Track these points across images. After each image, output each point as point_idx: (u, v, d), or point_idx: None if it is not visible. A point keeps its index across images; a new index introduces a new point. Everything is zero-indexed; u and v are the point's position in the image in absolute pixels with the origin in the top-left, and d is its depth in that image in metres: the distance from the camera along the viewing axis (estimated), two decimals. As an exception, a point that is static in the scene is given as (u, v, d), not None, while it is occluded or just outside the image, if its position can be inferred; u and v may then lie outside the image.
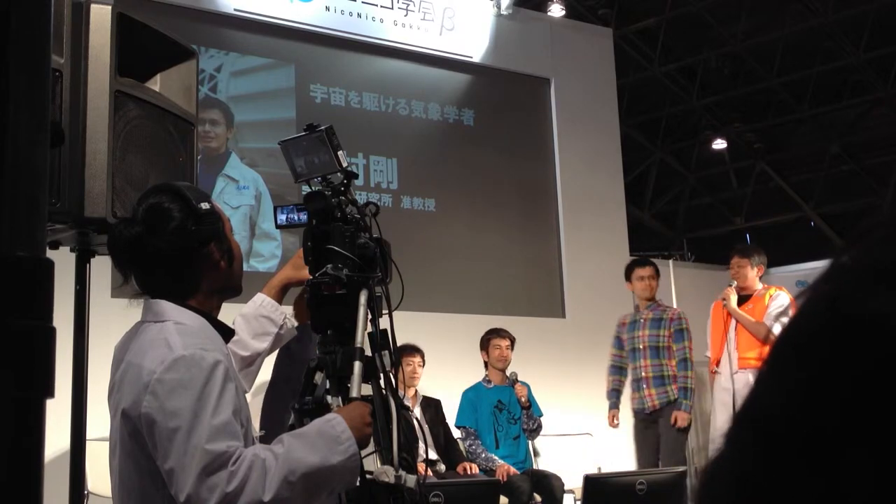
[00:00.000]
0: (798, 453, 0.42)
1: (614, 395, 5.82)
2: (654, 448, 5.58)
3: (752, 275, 5.66)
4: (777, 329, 5.56)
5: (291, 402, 2.07)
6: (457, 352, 6.00)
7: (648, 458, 5.59)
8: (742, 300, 5.63)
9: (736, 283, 5.65)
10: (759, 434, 0.44)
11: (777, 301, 5.56)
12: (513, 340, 5.61)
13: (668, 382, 5.54)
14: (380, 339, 2.13)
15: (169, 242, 1.86)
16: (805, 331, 0.45)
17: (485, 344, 5.63)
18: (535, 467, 5.51)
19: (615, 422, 5.78)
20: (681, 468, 4.44)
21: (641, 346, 5.64)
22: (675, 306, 6.03)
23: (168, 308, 1.86)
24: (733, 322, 5.59)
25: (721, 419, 5.53)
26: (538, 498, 5.20)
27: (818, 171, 11.85)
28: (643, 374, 5.61)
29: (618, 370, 5.84)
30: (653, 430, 5.59)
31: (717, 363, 5.63)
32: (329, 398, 2.07)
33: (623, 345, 5.81)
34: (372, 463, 2.03)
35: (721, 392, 5.53)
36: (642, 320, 5.69)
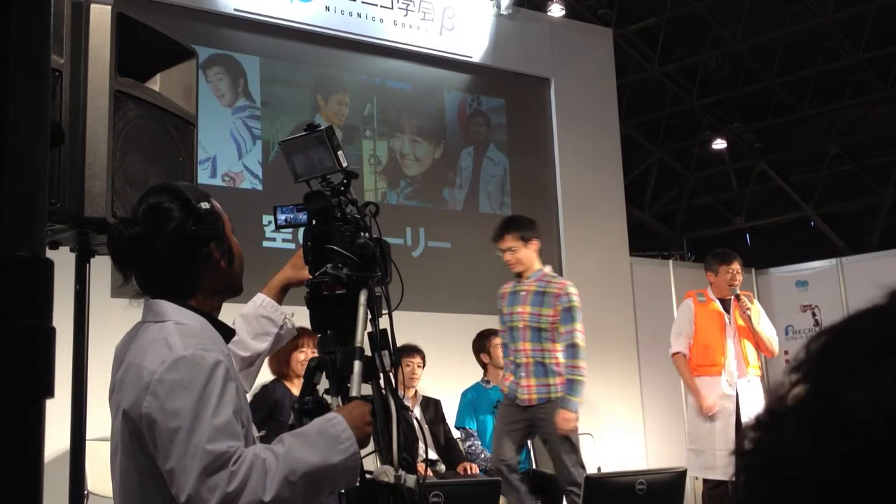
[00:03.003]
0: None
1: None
2: (518, 445, 4.69)
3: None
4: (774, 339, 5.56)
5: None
6: (457, 352, 5.99)
7: (507, 450, 4.61)
8: (723, 305, 5.58)
9: (737, 290, 5.52)
10: (854, 436, 0.48)
11: (763, 312, 5.60)
12: None
13: (550, 374, 4.56)
14: (380, 339, 2.13)
15: (169, 242, 1.86)
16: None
17: (482, 345, 5.61)
18: (534, 467, 5.51)
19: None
20: (680, 468, 4.43)
21: (521, 325, 4.63)
22: (563, 279, 4.87)
23: (168, 308, 1.86)
24: (733, 329, 5.48)
25: (720, 426, 5.31)
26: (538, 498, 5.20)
27: (818, 171, 11.85)
28: (523, 359, 4.62)
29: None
30: (521, 425, 4.65)
31: (711, 367, 5.44)
32: (329, 398, 2.07)
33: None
34: (372, 463, 2.03)
35: (724, 399, 5.34)
36: (523, 293, 4.66)
